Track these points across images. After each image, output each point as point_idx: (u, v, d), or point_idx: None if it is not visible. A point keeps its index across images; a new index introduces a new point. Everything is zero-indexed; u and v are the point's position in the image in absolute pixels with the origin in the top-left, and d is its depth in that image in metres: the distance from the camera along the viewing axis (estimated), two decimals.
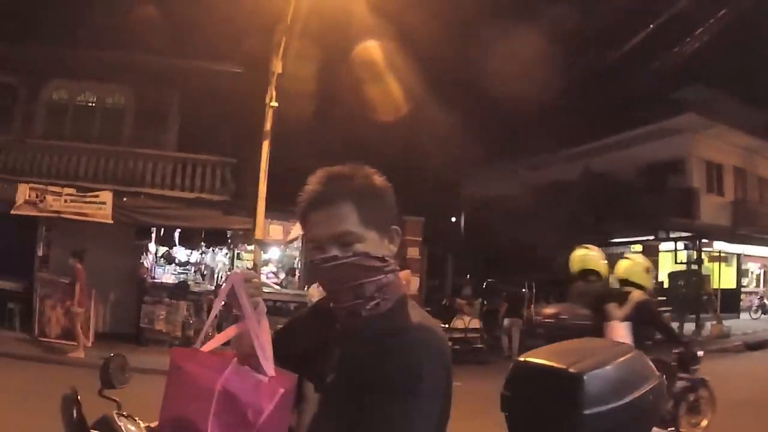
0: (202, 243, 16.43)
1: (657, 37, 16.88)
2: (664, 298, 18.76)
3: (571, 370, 1.90)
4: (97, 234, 14.64)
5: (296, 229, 15.48)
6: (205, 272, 17.29)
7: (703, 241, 21.16)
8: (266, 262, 17.07)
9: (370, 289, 1.53)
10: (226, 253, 17.24)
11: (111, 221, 14.57)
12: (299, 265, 17.70)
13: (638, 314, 5.87)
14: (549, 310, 6.62)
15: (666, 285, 21.10)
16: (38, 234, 15.04)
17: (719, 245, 22.44)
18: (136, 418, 2.69)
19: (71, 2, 15.69)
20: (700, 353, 6.79)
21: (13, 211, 14.29)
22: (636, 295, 5.99)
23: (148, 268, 15.84)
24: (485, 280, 20.04)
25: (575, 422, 1.85)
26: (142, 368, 7.35)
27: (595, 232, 21.04)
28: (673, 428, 6.36)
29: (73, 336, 12.53)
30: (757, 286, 26.08)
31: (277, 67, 13.86)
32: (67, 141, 16.10)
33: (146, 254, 16.06)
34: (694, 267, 21.05)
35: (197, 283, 16.37)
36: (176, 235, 16.06)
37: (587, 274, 6.53)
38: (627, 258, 6.59)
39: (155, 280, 15.84)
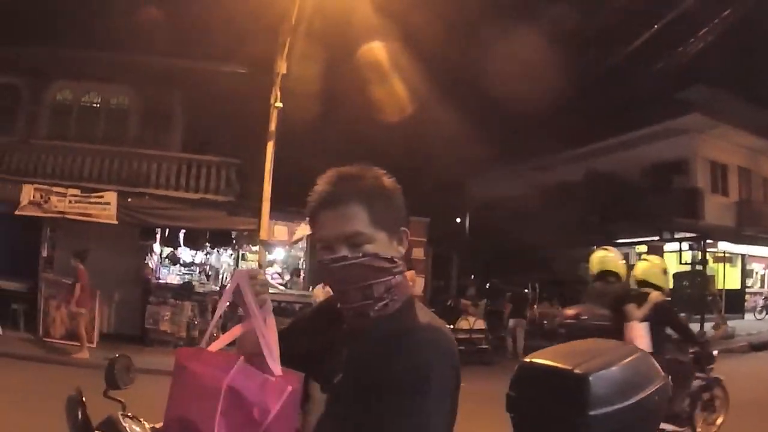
0: (207, 244, 16.45)
1: (661, 38, 16.82)
2: (669, 299, 18.70)
3: (577, 371, 1.89)
4: (101, 235, 14.66)
5: (301, 230, 15.51)
6: (209, 273, 17.35)
7: (708, 241, 21.12)
8: (271, 263, 17.12)
9: (379, 290, 1.53)
10: (231, 254, 17.26)
11: (116, 222, 14.56)
12: (304, 266, 17.73)
13: (656, 315, 5.96)
14: (570, 311, 6.73)
15: (671, 285, 21.04)
16: (43, 235, 15.03)
17: (724, 246, 22.40)
18: (141, 419, 2.69)
19: (75, 3, 15.71)
20: (715, 353, 6.98)
21: (17, 212, 14.31)
22: (654, 296, 6.08)
23: (152, 269, 15.89)
24: (490, 280, 20.06)
25: (581, 423, 1.84)
26: (146, 369, 7.30)
27: (600, 232, 21.06)
28: (688, 427, 6.52)
29: (78, 336, 12.56)
30: (762, 286, 25.99)
31: (282, 67, 13.86)
32: (71, 142, 16.11)
33: (151, 255, 16.09)
34: (699, 267, 21.02)
35: (202, 283, 16.42)
36: (181, 235, 16.09)
37: (606, 275, 6.66)
38: (645, 259, 6.72)
39: (160, 281, 15.88)
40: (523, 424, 2.01)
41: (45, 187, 14.65)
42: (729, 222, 22.39)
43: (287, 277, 17.74)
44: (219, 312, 1.76)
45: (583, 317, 6.43)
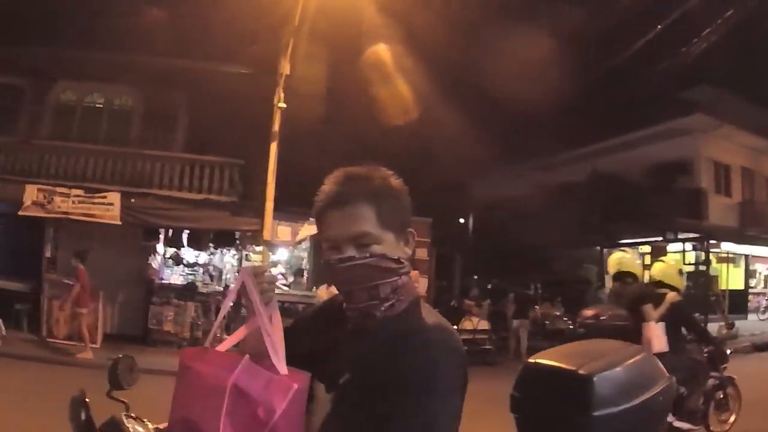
0: (210, 244, 16.41)
1: (665, 38, 16.82)
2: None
3: (581, 371, 1.89)
4: (104, 235, 14.67)
5: (304, 230, 15.50)
6: (213, 273, 17.31)
7: (711, 242, 21.12)
8: (274, 263, 17.09)
9: (386, 291, 1.53)
10: (234, 254, 17.25)
11: (119, 222, 14.52)
12: (307, 266, 17.72)
13: (673, 315, 6.13)
14: (589, 312, 6.83)
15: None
16: (46, 235, 15.03)
17: (727, 246, 22.37)
18: (145, 420, 2.68)
19: (78, 4, 15.71)
20: (729, 352, 7.13)
21: (20, 213, 14.30)
22: (671, 296, 6.24)
23: (156, 270, 15.86)
24: (492, 281, 20.06)
25: (585, 424, 1.84)
26: (150, 369, 7.37)
27: (603, 232, 21.05)
28: (702, 425, 6.64)
29: (81, 337, 12.58)
30: (765, 287, 25.91)
31: (285, 68, 13.87)
32: (74, 142, 16.12)
33: (154, 255, 16.07)
34: (702, 268, 21.00)
35: (205, 284, 16.39)
36: (184, 236, 16.06)
37: (624, 276, 6.79)
38: (661, 260, 6.84)
39: (163, 281, 15.85)
40: (527, 424, 2.01)
41: (48, 187, 14.63)
42: (732, 222, 22.37)
43: (290, 278, 17.73)
44: (223, 311, 1.76)
45: (602, 317, 6.50)
